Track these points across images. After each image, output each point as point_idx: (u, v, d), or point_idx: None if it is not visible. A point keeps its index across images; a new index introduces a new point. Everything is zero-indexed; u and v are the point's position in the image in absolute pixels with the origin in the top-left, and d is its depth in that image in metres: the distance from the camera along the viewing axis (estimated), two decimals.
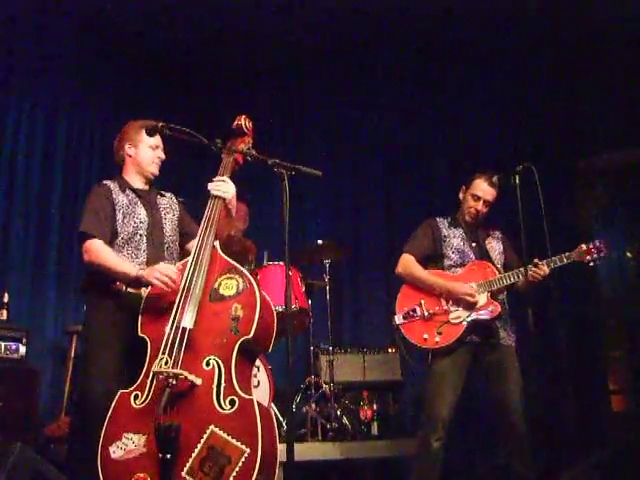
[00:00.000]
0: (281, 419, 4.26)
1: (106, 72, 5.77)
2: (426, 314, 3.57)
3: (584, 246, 3.46)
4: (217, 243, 2.97)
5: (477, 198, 3.69)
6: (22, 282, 4.96)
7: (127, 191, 3.16)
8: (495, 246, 3.77)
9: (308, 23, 5.61)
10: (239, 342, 2.71)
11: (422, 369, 3.71)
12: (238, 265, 2.92)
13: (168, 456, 2.51)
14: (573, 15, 5.23)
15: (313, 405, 4.39)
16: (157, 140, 3.24)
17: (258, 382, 4.26)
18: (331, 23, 5.67)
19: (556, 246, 3.43)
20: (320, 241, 4.69)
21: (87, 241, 2.96)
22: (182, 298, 2.78)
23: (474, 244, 3.73)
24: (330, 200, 6.29)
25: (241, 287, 2.82)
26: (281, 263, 4.32)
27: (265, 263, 4.63)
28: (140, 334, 2.82)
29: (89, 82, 5.65)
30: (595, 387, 5.03)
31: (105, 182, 3.18)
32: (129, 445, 2.62)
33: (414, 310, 3.61)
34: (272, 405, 4.25)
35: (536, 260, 3.44)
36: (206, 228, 2.95)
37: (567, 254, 3.46)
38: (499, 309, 3.52)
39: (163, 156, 3.26)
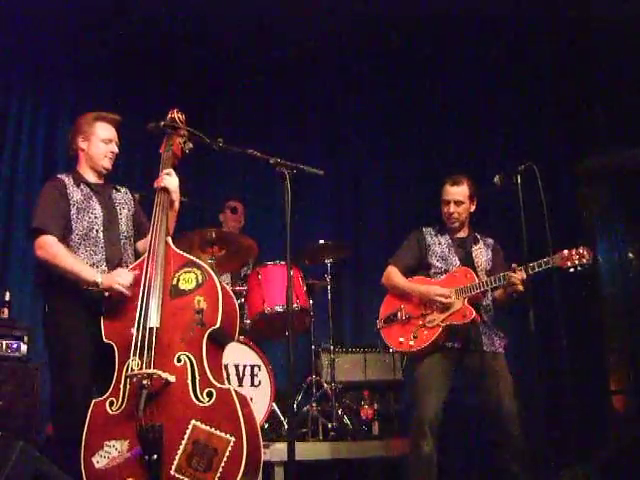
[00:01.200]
0: (282, 418, 4.27)
1: (106, 73, 5.77)
2: (404, 318, 3.63)
3: (566, 252, 3.35)
4: (169, 239, 2.94)
5: (447, 202, 3.73)
6: (23, 280, 4.96)
7: (82, 185, 3.05)
8: (484, 252, 3.73)
9: (309, 23, 5.61)
10: (207, 334, 2.72)
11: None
12: (193, 257, 2.91)
13: (154, 457, 2.51)
14: (574, 14, 5.23)
15: (314, 404, 4.39)
16: (110, 133, 3.12)
17: (259, 382, 4.27)
18: (332, 23, 5.67)
19: (557, 246, 3.38)
20: (321, 241, 4.69)
21: (40, 236, 2.86)
22: (144, 298, 2.75)
23: (460, 249, 3.74)
24: (331, 199, 6.28)
25: (200, 279, 2.81)
26: (282, 262, 4.32)
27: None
28: (106, 341, 2.78)
29: (89, 83, 5.65)
30: (596, 387, 5.03)
31: (60, 176, 3.07)
32: (112, 452, 2.61)
33: (395, 315, 3.68)
34: (273, 404, 4.26)
35: (514, 265, 3.39)
36: (158, 225, 2.91)
37: (547, 259, 3.34)
38: (473, 314, 3.49)
39: (116, 150, 3.13)
